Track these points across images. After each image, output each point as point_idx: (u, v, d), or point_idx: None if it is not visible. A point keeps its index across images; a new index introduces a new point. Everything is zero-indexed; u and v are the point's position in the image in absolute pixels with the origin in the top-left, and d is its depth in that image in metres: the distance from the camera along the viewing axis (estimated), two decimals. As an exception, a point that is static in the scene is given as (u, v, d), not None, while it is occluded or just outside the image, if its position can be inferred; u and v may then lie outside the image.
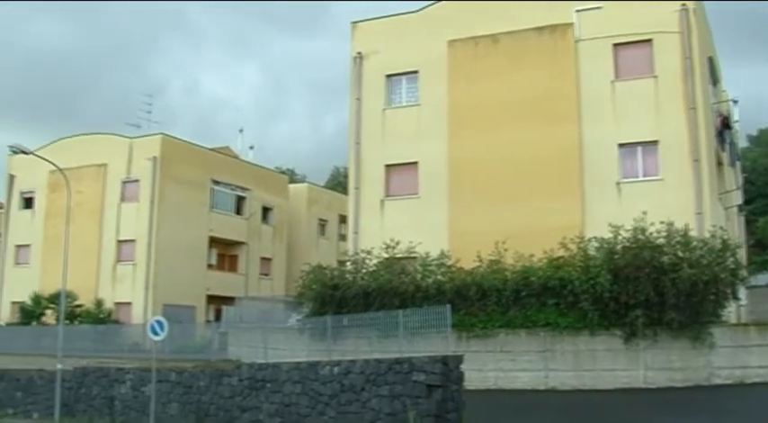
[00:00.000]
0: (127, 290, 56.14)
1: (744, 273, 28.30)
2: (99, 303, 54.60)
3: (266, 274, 68.03)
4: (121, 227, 57.60)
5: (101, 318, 53.15)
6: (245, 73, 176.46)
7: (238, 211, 65.96)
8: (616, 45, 34.42)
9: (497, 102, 35.47)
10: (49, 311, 53.51)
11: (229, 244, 64.85)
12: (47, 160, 33.99)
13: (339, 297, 31.70)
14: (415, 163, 37.36)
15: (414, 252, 32.75)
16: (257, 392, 24.56)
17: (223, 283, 61.71)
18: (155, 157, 56.86)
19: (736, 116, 44.62)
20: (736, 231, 40.48)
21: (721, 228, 29.31)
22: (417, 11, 38.79)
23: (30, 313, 54.60)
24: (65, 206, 34.22)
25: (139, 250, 56.50)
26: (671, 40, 33.32)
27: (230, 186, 64.89)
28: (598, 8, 34.43)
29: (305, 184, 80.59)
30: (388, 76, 39.02)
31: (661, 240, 27.38)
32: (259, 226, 67.55)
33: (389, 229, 34.82)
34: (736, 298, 28.18)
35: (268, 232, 68.93)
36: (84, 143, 59.29)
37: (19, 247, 62.54)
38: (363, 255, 33.32)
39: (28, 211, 62.73)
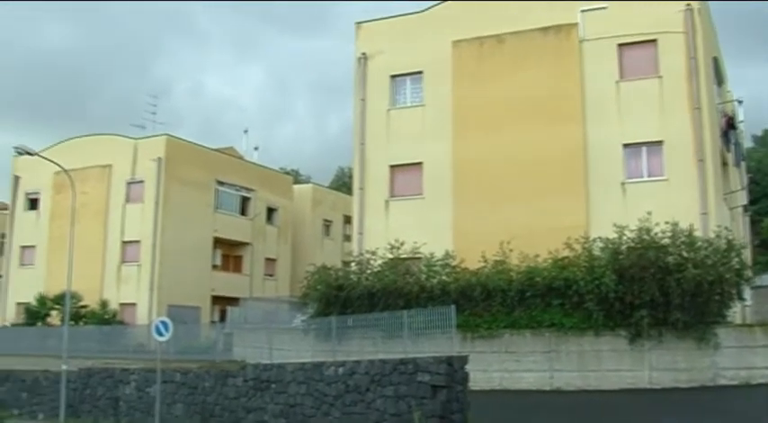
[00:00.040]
0: (132, 291, 56.19)
1: (749, 273, 28.21)
2: (104, 304, 54.68)
3: (271, 275, 68.07)
4: (126, 228, 57.66)
5: (106, 319, 53.23)
6: (250, 74, 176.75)
7: (243, 212, 65.99)
8: (621, 45, 34.39)
9: (502, 102, 35.46)
10: (54, 312, 53.59)
11: (234, 245, 64.89)
12: (52, 161, 33.98)
13: (344, 298, 31.69)
14: (420, 163, 37.34)
15: (418, 252, 32.73)
16: (262, 393, 24.57)
17: (228, 283, 61.73)
18: (159, 158, 56.91)
19: (740, 116, 44.54)
20: (741, 232, 40.43)
21: (726, 228, 29.26)
22: (422, 11, 38.77)
23: (35, 314, 54.66)
24: (70, 207, 34.28)
25: (144, 251, 56.55)
26: (676, 40, 33.28)
27: (235, 187, 64.91)
28: (603, 8, 34.39)
29: (309, 185, 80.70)
30: (393, 76, 39.00)
31: (666, 241, 27.36)
32: (264, 226, 67.58)
33: (394, 230, 34.80)
34: (741, 298, 28.15)
35: (273, 233, 68.96)
36: (89, 144, 59.35)
37: (24, 248, 62.61)
38: (368, 255, 33.32)
39: (33, 213, 62.82)
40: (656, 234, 27.39)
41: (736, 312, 28.65)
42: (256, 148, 73.59)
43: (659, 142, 33.06)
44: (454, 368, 20.88)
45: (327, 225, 76.05)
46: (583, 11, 34.95)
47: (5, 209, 69.63)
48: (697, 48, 32.99)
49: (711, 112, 33.59)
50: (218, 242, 62.29)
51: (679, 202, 31.10)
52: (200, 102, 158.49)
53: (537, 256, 29.17)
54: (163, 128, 62.04)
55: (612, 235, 28.08)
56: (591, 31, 34.81)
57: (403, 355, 23.39)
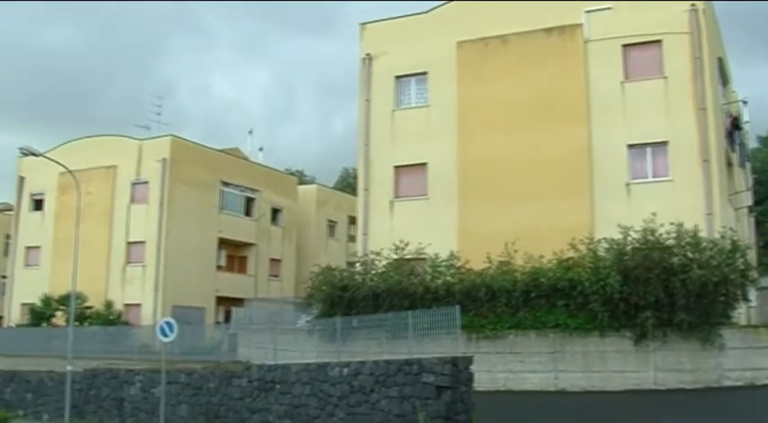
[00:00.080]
0: (136, 291, 56.19)
1: (754, 274, 28.19)
2: (109, 305, 54.65)
3: (275, 276, 68.04)
4: (131, 228, 57.63)
5: (110, 319, 53.19)
6: (255, 74, 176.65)
7: (247, 213, 65.97)
8: (625, 46, 34.35)
9: (506, 102, 35.45)
10: (59, 313, 53.56)
11: (239, 245, 64.88)
12: (57, 162, 34.01)
13: (348, 298, 31.73)
14: (425, 164, 37.34)
15: (423, 253, 32.78)
16: (267, 394, 24.63)
17: (232, 284, 61.71)
18: (164, 159, 56.90)
19: (745, 117, 44.54)
20: (746, 232, 40.38)
21: (731, 229, 29.20)
22: (426, 12, 38.78)
23: (40, 315, 54.65)
24: (74, 208, 34.28)
25: (149, 252, 56.53)
26: (680, 40, 33.25)
27: (240, 188, 64.91)
28: (607, 9, 34.40)
29: (314, 186, 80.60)
30: (398, 77, 39.00)
31: (671, 241, 27.34)
32: (268, 227, 67.56)
33: (399, 231, 34.81)
34: (746, 299, 28.07)
35: (277, 233, 68.94)
36: (94, 145, 59.38)
37: (29, 248, 62.60)
38: (373, 256, 33.35)
39: (38, 213, 62.81)
40: (660, 235, 27.37)
41: (740, 313, 28.62)
42: (261, 149, 73.76)
43: (664, 143, 33.03)
44: (459, 369, 20.91)
45: (332, 226, 76.01)
46: (587, 11, 34.96)
47: (10, 210, 69.75)
48: (702, 48, 32.96)
49: (716, 112, 33.56)
50: (222, 243, 62.28)
51: (684, 202, 31.08)
52: (205, 102, 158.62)
53: (542, 256, 29.14)
54: (167, 128, 62.07)
55: (617, 236, 28.07)
56: (595, 32, 34.80)
57: (407, 356, 23.41)
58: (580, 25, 35.14)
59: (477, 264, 30.38)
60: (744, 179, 42.62)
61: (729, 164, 36.70)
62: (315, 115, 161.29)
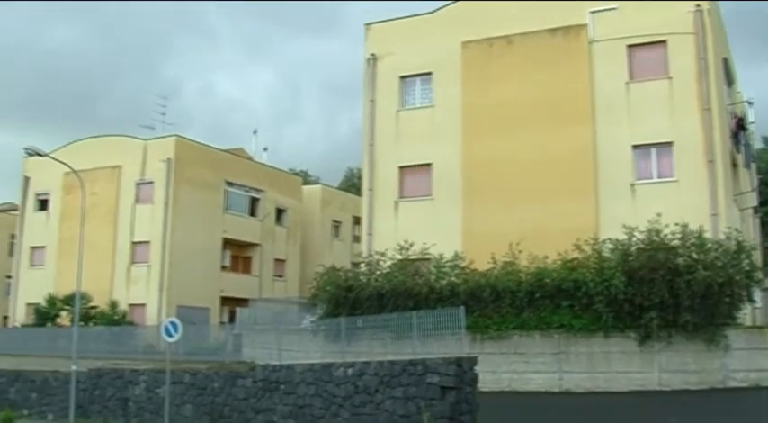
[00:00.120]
0: (141, 291, 56.22)
1: (759, 275, 28.11)
2: (113, 305, 54.70)
3: (280, 276, 68.06)
4: (136, 228, 57.70)
5: (115, 319, 53.25)
6: (259, 74, 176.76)
7: (252, 213, 65.97)
8: (630, 46, 34.33)
9: (511, 103, 35.44)
10: (63, 313, 53.64)
11: (243, 245, 64.91)
12: (61, 162, 34.05)
13: (353, 298, 31.72)
14: (429, 164, 37.34)
15: (427, 253, 32.75)
16: (271, 394, 24.63)
17: (237, 284, 61.72)
18: (169, 159, 56.94)
19: (751, 117, 44.51)
20: (752, 233, 40.35)
21: (736, 229, 29.20)
22: (431, 12, 38.78)
23: (44, 315, 54.71)
24: (79, 208, 34.38)
25: (154, 252, 56.57)
26: (685, 41, 33.21)
27: (244, 188, 64.92)
28: (612, 9, 34.37)
29: (319, 186, 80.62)
30: (402, 77, 39.01)
31: (676, 242, 27.31)
32: (273, 227, 67.57)
33: (403, 231, 34.80)
34: (751, 300, 28.02)
35: (282, 234, 68.96)
36: (99, 145, 59.43)
37: (34, 248, 62.68)
38: (377, 256, 33.34)
39: (43, 213, 62.90)
40: (665, 235, 27.34)
41: (746, 314, 28.55)
42: (266, 149, 73.64)
43: (669, 143, 32.99)
44: (463, 369, 20.91)
45: (336, 226, 75.99)
46: (592, 12, 34.94)
47: (15, 210, 69.81)
48: (707, 49, 32.92)
49: (721, 113, 33.51)
50: (227, 243, 62.29)
51: (689, 203, 31.05)
52: (210, 103, 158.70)
53: (546, 257, 29.14)
54: (172, 129, 62.16)
55: (622, 236, 28.05)
56: (600, 32, 34.79)
57: (412, 357, 23.38)
58: (585, 26, 35.13)
59: (482, 264, 30.36)
60: (749, 180, 42.59)
61: (734, 164, 36.65)
62: (319, 115, 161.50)
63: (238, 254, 64.81)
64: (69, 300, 48.38)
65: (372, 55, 39.63)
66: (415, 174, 37.73)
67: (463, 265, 31.24)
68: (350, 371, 22.97)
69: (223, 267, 61.67)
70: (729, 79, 38.86)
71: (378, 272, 32.72)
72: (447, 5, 38.62)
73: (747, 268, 27.07)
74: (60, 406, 30.33)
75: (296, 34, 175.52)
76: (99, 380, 30.04)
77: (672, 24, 33.29)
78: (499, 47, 36.58)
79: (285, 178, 72.63)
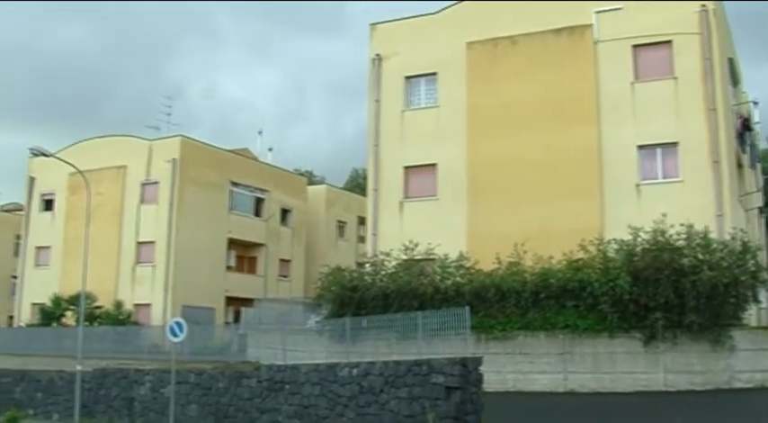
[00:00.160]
0: (146, 291, 56.27)
1: (764, 275, 27.97)
2: (118, 305, 54.73)
3: (285, 276, 68.04)
4: (141, 229, 57.73)
5: (120, 319, 53.28)
6: (264, 75, 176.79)
7: (257, 213, 65.97)
8: (635, 46, 34.31)
9: (516, 103, 35.43)
10: (68, 313, 53.68)
11: (248, 246, 64.93)
12: (67, 162, 34.08)
13: (358, 299, 31.73)
14: (434, 164, 37.35)
15: (432, 254, 32.78)
16: (276, 394, 24.64)
17: (242, 284, 61.73)
18: (174, 159, 56.97)
19: (756, 118, 44.44)
20: (757, 233, 40.26)
21: (742, 230, 29.12)
22: (436, 12, 38.79)
23: (50, 315, 54.77)
24: (85, 208, 34.39)
25: (159, 252, 56.61)
26: (691, 41, 33.19)
27: (249, 188, 64.94)
28: (617, 9, 34.35)
29: (323, 186, 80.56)
30: (407, 77, 39.03)
31: (681, 242, 27.28)
32: (278, 228, 67.58)
33: (408, 231, 34.81)
34: (756, 301, 27.99)
35: (287, 234, 68.96)
36: (104, 145, 59.53)
37: (39, 248, 62.77)
38: (382, 256, 33.33)
39: (48, 213, 62.97)
40: (670, 236, 27.31)
41: (751, 315, 28.55)
42: (271, 150, 73.73)
43: (674, 144, 32.98)
44: (468, 369, 20.91)
45: (341, 226, 75.98)
46: (597, 12, 34.93)
47: (21, 210, 69.92)
48: (712, 49, 32.90)
49: (727, 113, 33.49)
50: (232, 243, 62.31)
51: (694, 203, 31.02)
52: (215, 103, 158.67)
53: (551, 257, 29.10)
54: (177, 129, 62.16)
55: (627, 237, 28.02)
56: (605, 33, 34.77)
57: (417, 357, 23.40)
58: (590, 26, 35.12)
59: (487, 264, 30.35)
60: (754, 180, 42.50)
61: (740, 165, 36.61)
62: (324, 116, 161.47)
63: (243, 254, 64.84)
64: (74, 300, 48.39)
65: (377, 55, 39.66)
66: (420, 174, 37.74)
67: (468, 265, 31.22)
68: (355, 371, 22.96)
69: (228, 267, 61.71)
70: (735, 79, 38.86)
71: (383, 272, 32.71)
72: (452, 6, 38.63)
73: (753, 269, 27.00)
74: (65, 406, 30.38)
75: (301, 34, 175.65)
76: (104, 380, 30.07)
77: (677, 24, 33.28)
78: (504, 47, 36.58)
79: (290, 178, 72.62)
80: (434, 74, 38.47)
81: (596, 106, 34.36)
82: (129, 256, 57.73)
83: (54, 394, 31.61)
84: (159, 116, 65.03)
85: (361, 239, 65.44)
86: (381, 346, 29.27)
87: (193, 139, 60.71)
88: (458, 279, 30.66)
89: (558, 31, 35.56)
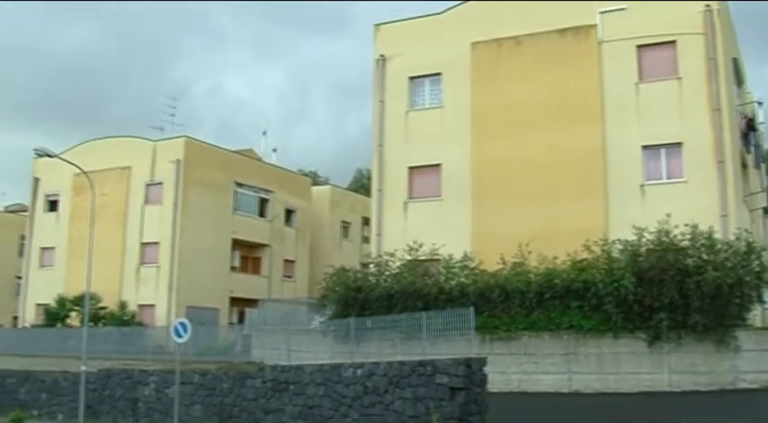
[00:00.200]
0: (150, 292, 56.33)
1: (769, 275, 28.07)
2: (123, 305, 54.81)
3: (289, 277, 68.08)
4: (145, 229, 57.79)
5: (124, 320, 53.35)
6: (268, 75, 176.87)
7: (261, 214, 65.99)
8: (640, 46, 34.28)
9: (520, 103, 35.41)
10: (73, 313, 53.75)
11: (252, 246, 64.97)
12: (71, 163, 34.12)
13: (362, 299, 31.71)
14: (439, 165, 37.33)
15: (437, 254, 32.76)
16: (280, 394, 24.64)
17: (246, 285, 61.77)
18: (178, 160, 57.01)
19: (761, 118, 44.40)
20: (761, 234, 40.21)
21: (746, 230, 29.13)
22: (440, 13, 38.79)
23: (54, 315, 54.83)
24: (89, 209, 34.44)
25: (163, 252, 56.66)
26: (695, 41, 33.16)
27: (253, 189, 64.97)
28: (621, 9, 34.32)
29: (328, 187, 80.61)
30: (411, 78, 39.01)
31: (685, 243, 27.24)
32: (282, 228, 67.59)
33: (412, 232, 34.81)
34: (761, 301, 27.96)
35: (291, 234, 68.98)
36: (109, 146, 59.59)
37: (44, 249, 62.84)
38: (386, 257, 33.31)
39: (52, 214, 63.06)
40: (675, 236, 27.28)
41: (756, 315, 28.49)
42: (275, 150, 73.71)
43: (678, 144, 32.94)
44: (473, 370, 20.90)
45: (346, 226, 75.97)
46: (601, 12, 34.89)
47: (25, 211, 70.00)
48: (716, 49, 32.86)
49: (731, 113, 33.45)
50: (236, 244, 62.36)
51: (698, 204, 30.99)
52: (219, 103, 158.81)
53: (555, 257, 29.10)
54: (181, 130, 62.39)
55: (631, 237, 27.99)
56: (610, 33, 34.74)
57: (421, 357, 23.37)
58: (594, 26, 35.09)
59: (491, 265, 30.33)
60: (759, 180, 42.48)
61: (744, 165, 36.57)
62: (328, 116, 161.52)
63: (248, 254, 64.88)
64: (79, 300, 48.47)
65: (381, 55, 39.65)
66: (424, 174, 37.72)
67: (472, 265, 31.20)
68: (359, 371, 22.96)
69: (232, 268, 61.76)
70: (739, 79, 38.77)
71: (387, 272, 32.70)
72: (456, 6, 38.61)
73: (757, 269, 26.97)
74: (70, 406, 30.39)
75: (305, 34, 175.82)
76: (108, 380, 30.08)
77: (681, 24, 33.25)
78: (508, 47, 36.56)
79: (294, 179, 72.68)
80: (439, 74, 38.45)
81: (601, 106, 34.34)
82: (134, 256, 57.78)
83: (58, 395, 31.63)
84: (163, 117, 65.35)
85: (366, 240, 65.59)
86: (386, 347, 29.26)
87: (197, 140, 60.78)
88: (462, 279, 30.65)
89: (562, 31, 35.54)
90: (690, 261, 26.59)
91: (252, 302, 56.07)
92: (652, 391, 26.11)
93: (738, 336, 26.11)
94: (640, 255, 27.39)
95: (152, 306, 55.88)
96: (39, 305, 59.39)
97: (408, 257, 32.47)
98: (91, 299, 37.31)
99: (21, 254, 68.91)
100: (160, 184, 57.95)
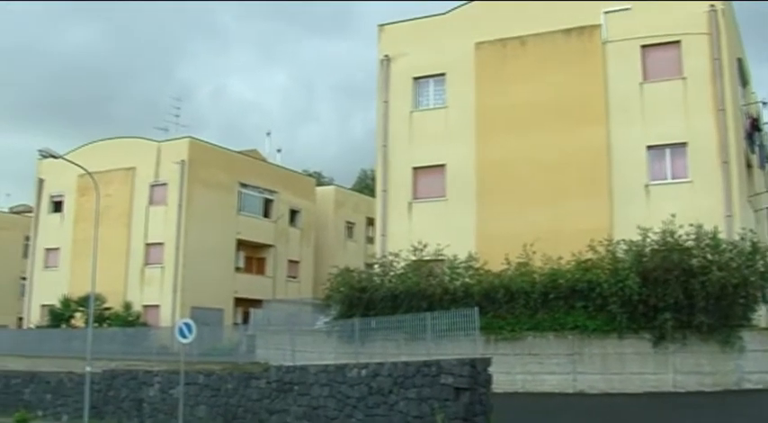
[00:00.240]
0: (155, 293, 56.29)
1: (773, 276, 28.02)
2: (127, 306, 54.77)
3: (294, 277, 68.01)
4: (150, 230, 57.74)
5: (129, 320, 53.32)
6: (273, 76, 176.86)
7: (266, 214, 65.92)
8: (644, 47, 34.25)
9: (525, 104, 35.38)
10: (78, 314, 53.73)
11: (257, 247, 64.91)
12: (76, 164, 34.16)
13: (367, 299, 31.74)
14: (443, 165, 37.32)
15: (441, 255, 32.79)
16: (285, 395, 24.67)
17: (251, 285, 61.72)
18: (183, 161, 56.97)
19: (765, 118, 44.27)
20: (766, 234, 40.14)
21: (751, 230, 29.04)
22: (444, 13, 38.78)
23: (59, 316, 54.84)
24: (93, 210, 34.43)
25: (168, 253, 56.60)
26: (699, 41, 33.13)
27: (258, 189, 64.92)
28: (626, 9, 34.30)
29: (332, 187, 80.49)
30: (416, 78, 39.00)
31: (690, 243, 27.23)
32: (287, 229, 67.54)
33: (417, 232, 34.80)
34: (766, 301, 27.89)
35: (295, 235, 68.93)
36: (113, 147, 59.56)
37: (48, 250, 62.80)
38: (391, 257, 33.36)
39: (57, 215, 63.01)
40: (680, 236, 27.27)
41: (761, 316, 28.45)
42: (279, 151, 73.76)
43: (683, 144, 32.92)
44: (477, 370, 20.92)
45: (350, 227, 75.89)
46: (606, 12, 34.87)
47: (30, 211, 70.05)
48: (721, 49, 32.83)
49: (736, 113, 33.41)
50: (241, 244, 62.31)
51: (703, 204, 30.96)
52: (224, 104, 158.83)
53: (560, 258, 29.13)
54: (186, 130, 62.21)
55: (636, 237, 27.99)
56: (614, 33, 34.71)
57: (426, 358, 23.40)
58: (599, 26, 35.06)
59: (496, 265, 30.37)
60: (764, 181, 42.35)
61: (749, 165, 36.55)
62: (333, 116, 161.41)
63: (252, 255, 64.82)
64: (83, 301, 48.48)
65: (386, 56, 39.65)
66: (428, 175, 37.72)
67: (477, 266, 31.24)
68: (364, 372, 22.98)
69: (237, 268, 61.70)
70: (744, 80, 38.77)
71: (391, 273, 32.73)
72: (460, 6, 38.60)
73: (762, 269, 26.93)
74: (75, 407, 30.45)
75: (309, 35, 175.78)
76: (113, 381, 30.14)
77: (686, 24, 33.22)
78: (513, 47, 36.54)
79: (299, 179, 72.60)
80: (443, 75, 38.43)
81: (605, 107, 34.32)
82: (138, 257, 57.75)
83: (63, 395, 31.71)
84: (168, 117, 65.16)
85: (370, 240, 65.46)
86: (390, 347, 29.30)
87: (202, 141, 60.73)
88: (467, 280, 30.67)
89: (567, 31, 35.51)
90: (694, 261, 26.60)
91: (256, 303, 56.05)
92: (657, 392, 26.10)
93: (743, 336, 26.09)
94: (645, 255, 27.40)
95: (157, 307, 55.83)
96: (43, 306, 59.35)
97: (413, 258, 32.50)
98: (96, 299, 37.38)
99: (25, 255, 68.86)
100: (165, 184, 57.89)
